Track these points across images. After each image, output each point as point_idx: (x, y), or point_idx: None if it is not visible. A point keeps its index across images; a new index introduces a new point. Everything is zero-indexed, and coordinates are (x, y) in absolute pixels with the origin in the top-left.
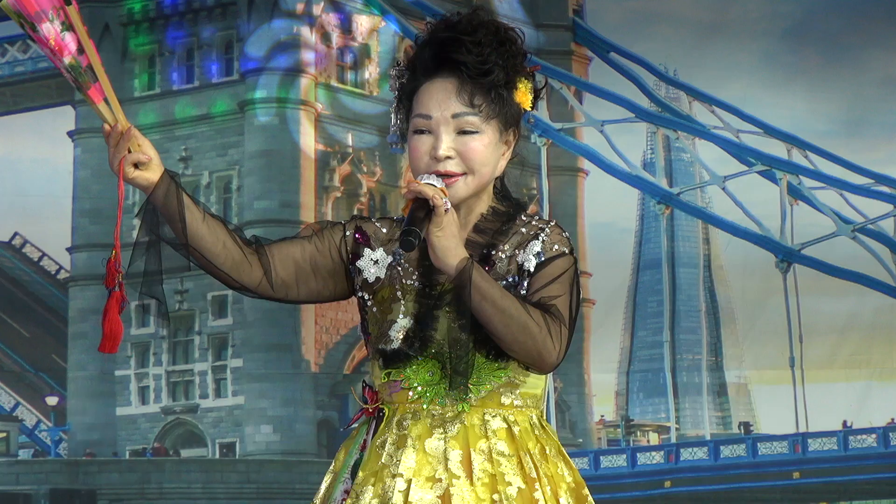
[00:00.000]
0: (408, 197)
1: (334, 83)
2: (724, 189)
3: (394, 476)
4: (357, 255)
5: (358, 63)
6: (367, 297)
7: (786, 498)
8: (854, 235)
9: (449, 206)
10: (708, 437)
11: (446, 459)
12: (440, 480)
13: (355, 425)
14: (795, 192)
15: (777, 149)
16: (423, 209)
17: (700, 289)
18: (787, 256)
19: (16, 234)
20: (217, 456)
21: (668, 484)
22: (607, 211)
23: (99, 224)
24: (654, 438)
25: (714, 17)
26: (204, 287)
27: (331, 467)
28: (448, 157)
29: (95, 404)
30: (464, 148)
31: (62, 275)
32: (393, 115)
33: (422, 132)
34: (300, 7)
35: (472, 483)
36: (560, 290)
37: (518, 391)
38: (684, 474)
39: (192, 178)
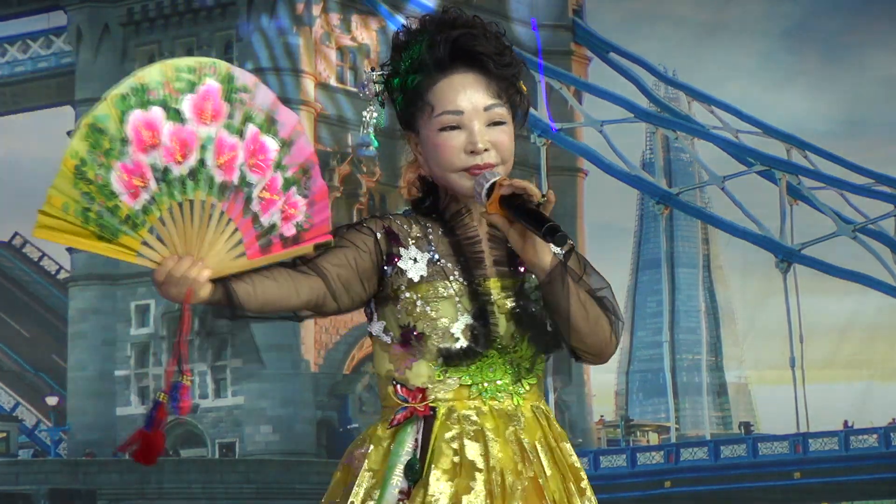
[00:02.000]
0: (504, 192)
1: (334, 83)
2: (723, 189)
3: (483, 470)
4: (392, 255)
5: (357, 63)
6: (414, 296)
7: (787, 498)
8: (854, 235)
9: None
10: (708, 437)
11: (524, 451)
12: (521, 473)
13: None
14: (795, 192)
15: (776, 149)
16: (523, 204)
17: (700, 289)
18: (788, 256)
19: (16, 234)
20: (217, 456)
21: (668, 484)
22: (607, 211)
23: None
24: (653, 438)
25: (713, 18)
26: None
27: (364, 466)
28: (485, 150)
29: (95, 404)
30: (496, 139)
31: (62, 275)
32: (370, 115)
33: (452, 128)
34: (300, 7)
35: (548, 473)
36: (601, 282)
37: (538, 382)
38: (684, 474)
39: None
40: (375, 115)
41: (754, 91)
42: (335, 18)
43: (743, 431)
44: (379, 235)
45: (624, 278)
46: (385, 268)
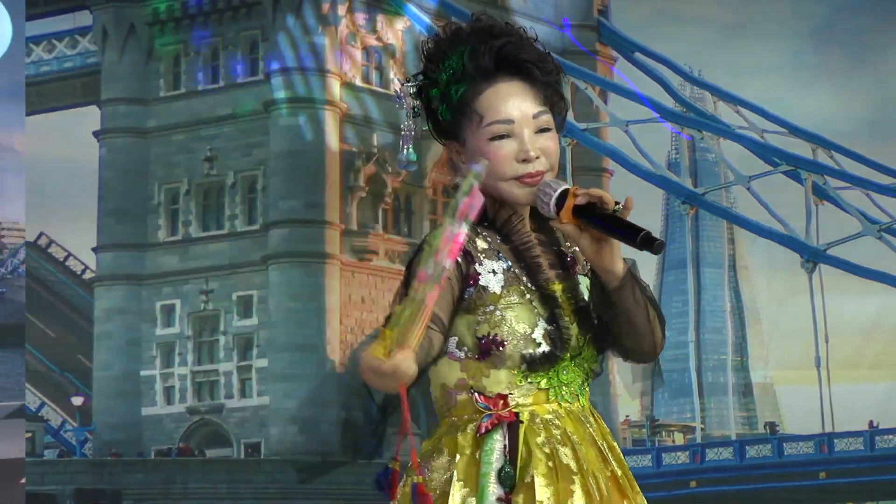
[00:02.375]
0: (579, 202)
1: (359, 83)
2: (749, 189)
3: (578, 473)
4: (470, 276)
5: (383, 63)
6: (494, 306)
7: (812, 498)
8: (880, 235)
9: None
10: (733, 437)
11: (601, 452)
12: (605, 472)
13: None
14: (820, 192)
15: (802, 149)
16: (603, 213)
17: (725, 289)
18: (813, 256)
19: (41, 234)
20: (242, 456)
21: (693, 484)
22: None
23: (124, 224)
24: (679, 438)
25: (739, 18)
26: (229, 287)
27: (455, 476)
28: (536, 157)
29: (121, 404)
30: (544, 146)
31: (87, 275)
32: (409, 130)
33: (501, 137)
34: (325, 7)
35: (619, 472)
36: (644, 282)
37: None
38: (710, 474)
39: (217, 178)
40: (413, 129)
41: (780, 91)
42: (360, 18)
43: (768, 431)
44: (459, 259)
45: (649, 278)
46: (468, 289)
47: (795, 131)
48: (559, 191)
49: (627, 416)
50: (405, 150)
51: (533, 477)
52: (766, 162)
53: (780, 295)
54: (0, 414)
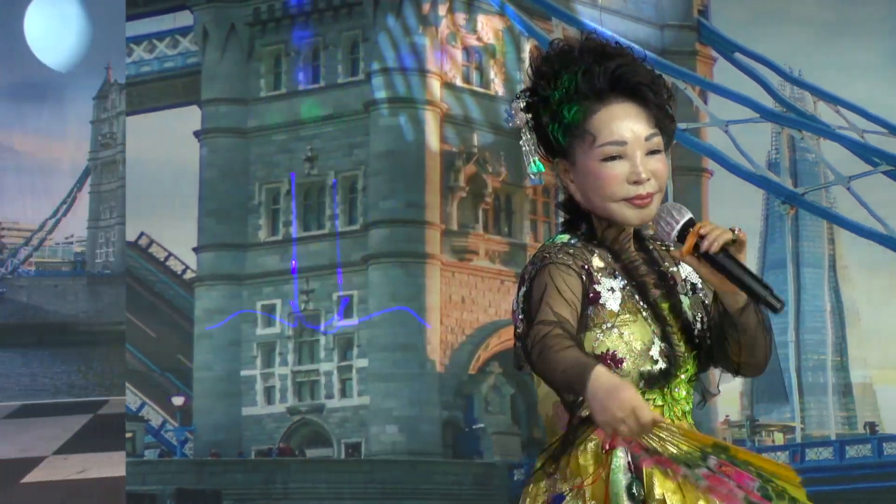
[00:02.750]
0: (704, 250)
1: (459, 83)
2: (848, 189)
3: (699, 488)
4: (590, 294)
5: (483, 63)
6: (611, 323)
7: None
8: None
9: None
10: (833, 438)
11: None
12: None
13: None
14: None
15: None
16: (725, 262)
17: (825, 289)
18: None
19: (142, 233)
20: (342, 456)
21: None
22: (731, 211)
23: (225, 224)
24: (779, 438)
25: (839, 17)
26: (330, 287)
27: (587, 495)
28: (647, 179)
29: (221, 404)
30: (655, 168)
31: (188, 275)
32: (531, 144)
33: (613, 158)
34: (426, 7)
35: None
36: None
37: None
38: (809, 474)
39: (317, 178)
40: (532, 144)
41: (881, 91)
42: (461, 18)
43: (868, 431)
44: (584, 277)
45: None
46: (588, 307)
47: (895, 131)
48: (682, 222)
49: (727, 417)
50: (531, 164)
51: (663, 495)
52: (866, 162)
53: (880, 294)
54: (0, 414)
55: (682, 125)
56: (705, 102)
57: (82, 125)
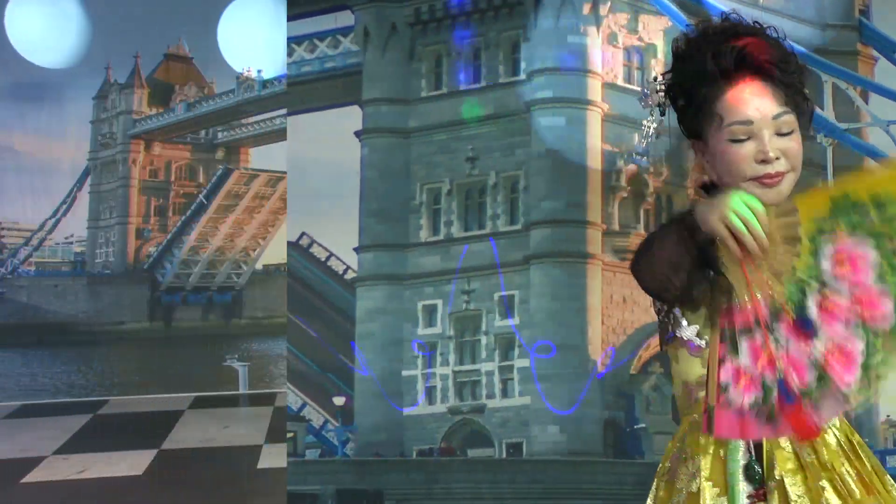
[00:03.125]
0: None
1: (621, 83)
2: None
3: (820, 468)
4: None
5: (644, 63)
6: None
7: None
8: None
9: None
10: None
11: (843, 448)
12: (849, 469)
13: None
14: None
15: None
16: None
17: None
18: None
19: (303, 234)
20: (504, 456)
21: None
22: None
23: (385, 224)
24: None
25: None
26: (491, 287)
27: (703, 475)
28: (777, 158)
29: (382, 404)
30: (785, 147)
31: (349, 275)
32: (650, 125)
33: (740, 140)
34: (587, 7)
35: (870, 466)
36: None
37: None
38: None
39: (478, 178)
40: (655, 125)
41: None
42: (622, 18)
43: None
44: None
45: None
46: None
47: None
48: None
49: (888, 416)
50: (643, 144)
51: (782, 476)
52: None
53: None
54: (0, 414)
55: (843, 125)
56: (866, 102)
57: (82, 125)
